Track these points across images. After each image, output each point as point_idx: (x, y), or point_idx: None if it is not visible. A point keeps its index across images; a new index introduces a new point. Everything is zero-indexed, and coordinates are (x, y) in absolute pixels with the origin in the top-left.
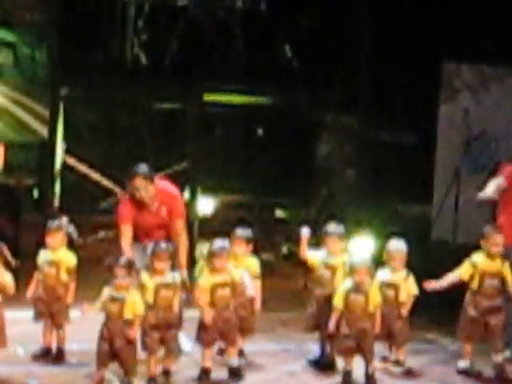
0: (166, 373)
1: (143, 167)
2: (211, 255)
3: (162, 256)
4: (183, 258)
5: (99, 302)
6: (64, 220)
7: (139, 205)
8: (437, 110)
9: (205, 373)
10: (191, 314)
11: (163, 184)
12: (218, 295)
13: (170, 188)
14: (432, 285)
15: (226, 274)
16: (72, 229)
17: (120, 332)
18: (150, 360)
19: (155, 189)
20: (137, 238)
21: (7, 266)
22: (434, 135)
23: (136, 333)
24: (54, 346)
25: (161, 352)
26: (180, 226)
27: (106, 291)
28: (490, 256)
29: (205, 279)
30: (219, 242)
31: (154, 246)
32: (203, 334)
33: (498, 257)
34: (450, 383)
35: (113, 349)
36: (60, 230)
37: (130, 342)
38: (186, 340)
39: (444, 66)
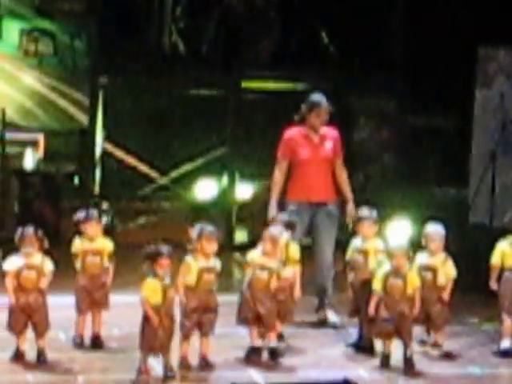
0: (204, 359)
1: (322, 97)
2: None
3: (212, 238)
4: (349, 191)
5: (154, 293)
6: (104, 205)
7: (302, 138)
8: (473, 94)
9: (254, 351)
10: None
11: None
12: (256, 277)
13: (332, 130)
14: None
15: (272, 260)
16: (105, 218)
17: (172, 318)
18: (185, 342)
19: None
20: (296, 185)
21: (44, 251)
22: (470, 119)
23: None
24: (85, 333)
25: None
26: (340, 164)
27: (155, 282)
28: None
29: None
30: (274, 229)
31: (202, 229)
32: (243, 313)
33: None
34: (489, 366)
35: (166, 335)
36: (99, 221)
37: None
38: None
39: (480, 51)
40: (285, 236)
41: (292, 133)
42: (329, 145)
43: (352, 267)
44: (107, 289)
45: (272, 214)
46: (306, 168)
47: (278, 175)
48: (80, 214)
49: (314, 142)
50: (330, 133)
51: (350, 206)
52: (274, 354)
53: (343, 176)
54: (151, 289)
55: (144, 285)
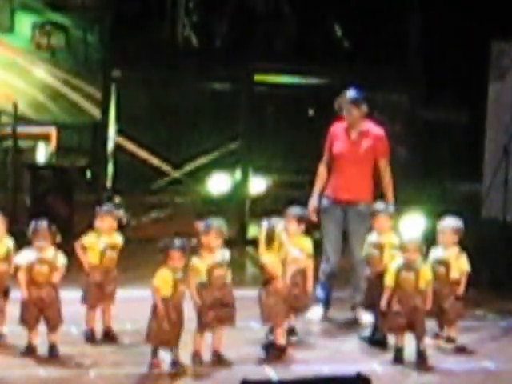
0: (217, 354)
1: (352, 92)
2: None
3: (221, 233)
4: (390, 193)
5: (165, 284)
6: (115, 203)
7: (341, 134)
8: (486, 88)
9: (281, 351)
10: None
11: (373, 124)
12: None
13: (377, 128)
14: None
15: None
16: (121, 213)
17: (180, 312)
18: (198, 337)
19: (363, 121)
20: (332, 182)
21: (57, 245)
22: (483, 113)
23: None
24: (97, 327)
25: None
26: (384, 164)
27: (168, 273)
28: None
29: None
30: (273, 221)
31: (211, 224)
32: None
33: None
34: (502, 360)
35: (177, 328)
36: (111, 215)
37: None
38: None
39: (493, 45)
40: (279, 228)
41: (335, 126)
42: (367, 143)
43: (367, 261)
44: (116, 283)
45: (312, 205)
46: (339, 164)
47: (321, 168)
48: (102, 208)
49: (351, 137)
50: (374, 130)
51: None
52: (278, 352)
53: (385, 177)
54: (163, 279)
55: (157, 274)
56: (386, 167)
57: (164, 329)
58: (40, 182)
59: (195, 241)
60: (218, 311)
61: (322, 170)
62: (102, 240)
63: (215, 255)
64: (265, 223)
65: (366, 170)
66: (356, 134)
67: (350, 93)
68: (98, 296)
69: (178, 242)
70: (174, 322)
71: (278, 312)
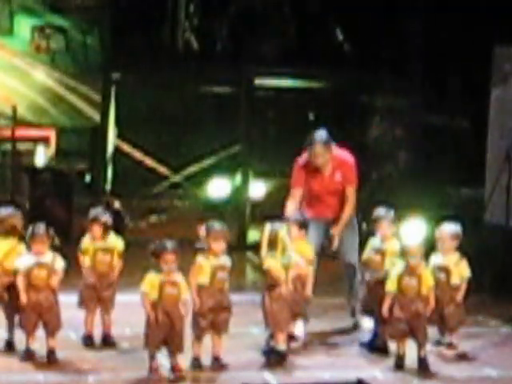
0: (217, 359)
1: (322, 134)
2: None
3: (219, 237)
4: (344, 216)
5: (152, 288)
6: (116, 203)
7: (313, 169)
8: (488, 93)
9: (282, 356)
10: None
11: (339, 151)
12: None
13: (346, 155)
14: None
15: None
16: (107, 217)
17: (179, 315)
18: (197, 342)
19: (331, 155)
20: (311, 207)
21: (55, 248)
22: (485, 118)
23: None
24: (96, 332)
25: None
26: (350, 191)
27: (155, 277)
28: None
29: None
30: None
31: (209, 228)
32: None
33: None
34: (504, 367)
35: (170, 332)
36: (99, 220)
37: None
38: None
39: (495, 50)
40: (283, 232)
41: (304, 160)
42: (340, 174)
43: (368, 266)
44: (115, 288)
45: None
46: (316, 196)
47: (291, 206)
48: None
49: (324, 173)
50: (343, 160)
51: (336, 228)
52: (279, 357)
53: (348, 203)
54: (150, 284)
55: (144, 280)
56: (352, 195)
57: (157, 333)
58: (39, 186)
59: (199, 244)
60: (214, 316)
61: (292, 206)
62: (95, 243)
63: (220, 258)
64: (268, 227)
65: (343, 196)
66: (328, 168)
67: (321, 136)
68: (91, 298)
69: (170, 244)
70: (165, 325)
71: (282, 317)
